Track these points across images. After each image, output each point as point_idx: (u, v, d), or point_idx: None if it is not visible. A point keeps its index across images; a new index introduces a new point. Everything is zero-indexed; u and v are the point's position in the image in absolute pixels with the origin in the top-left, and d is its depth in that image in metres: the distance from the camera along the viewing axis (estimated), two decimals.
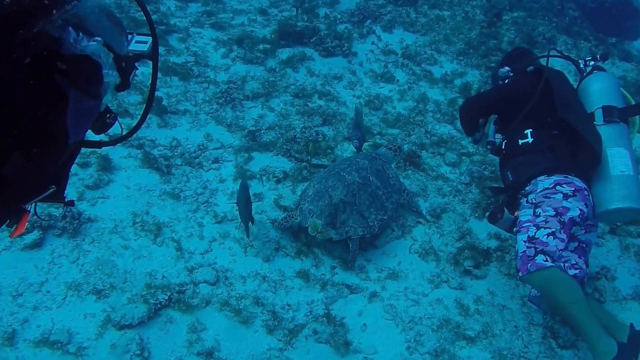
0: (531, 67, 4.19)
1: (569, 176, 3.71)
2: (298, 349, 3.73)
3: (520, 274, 3.48)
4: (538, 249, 3.47)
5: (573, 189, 3.63)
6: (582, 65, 4.18)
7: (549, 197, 3.65)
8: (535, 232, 3.56)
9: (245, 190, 4.29)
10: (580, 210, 3.56)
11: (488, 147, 4.25)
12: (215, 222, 4.59)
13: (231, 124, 5.76)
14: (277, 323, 3.84)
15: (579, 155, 3.71)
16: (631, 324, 3.42)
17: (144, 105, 1.97)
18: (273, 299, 4.03)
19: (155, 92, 1.99)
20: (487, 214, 4.20)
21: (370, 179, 4.54)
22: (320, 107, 6.20)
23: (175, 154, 5.18)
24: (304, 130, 5.74)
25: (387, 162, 4.92)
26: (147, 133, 5.42)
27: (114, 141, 2.02)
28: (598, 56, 4.19)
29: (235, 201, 4.39)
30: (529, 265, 3.44)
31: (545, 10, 8.94)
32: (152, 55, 1.92)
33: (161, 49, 6.39)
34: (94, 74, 1.57)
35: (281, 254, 4.39)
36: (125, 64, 1.75)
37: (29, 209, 1.57)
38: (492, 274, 4.34)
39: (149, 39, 1.93)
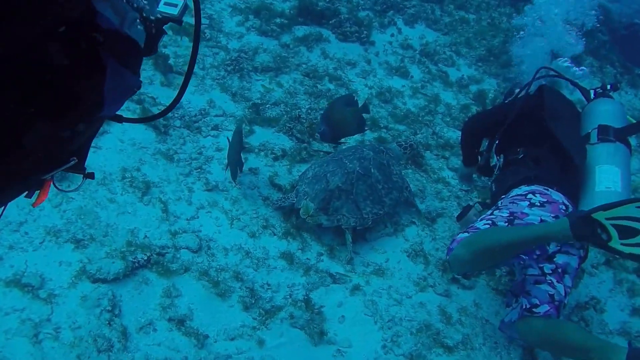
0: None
1: (549, 189, 3.68)
2: (272, 330, 3.73)
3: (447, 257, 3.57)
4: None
5: (545, 200, 3.57)
6: (592, 96, 4.20)
7: (514, 203, 3.62)
8: (475, 223, 3.61)
9: (239, 134, 4.39)
10: (542, 220, 3.47)
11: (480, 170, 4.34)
12: (206, 189, 4.57)
13: (236, 93, 5.73)
14: (254, 301, 3.84)
15: (565, 167, 3.73)
16: (629, 342, 3.43)
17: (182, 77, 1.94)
18: (253, 276, 4.02)
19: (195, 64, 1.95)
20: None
21: (372, 170, 4.53)
22: (329, 91, 6.18)
23: (175, 115, 5.15)
24: (309, 111, 5.72)
25: (393, 158, 4.90)
26: (150, 90, 5.39)
27: (149, 118, 2.01)
28: (608, 86, 4.22)
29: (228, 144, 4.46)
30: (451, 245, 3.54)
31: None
32: (195, 26, 1.90)
33: None
34: (134, 47, 1.56)
35: (268, 232, 4.38)
36: (155, 29, 1.72)
37: (49, 178, 1.55)
38: (480, 286, 4.35)
39: (180, 2, 1.86)
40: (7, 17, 1.13)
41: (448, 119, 6.38)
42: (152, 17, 1.70)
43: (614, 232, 3.06)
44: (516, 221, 3.47)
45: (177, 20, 1.85)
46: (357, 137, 5.60)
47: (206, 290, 3.84)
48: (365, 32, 7.35)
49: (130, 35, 1.51)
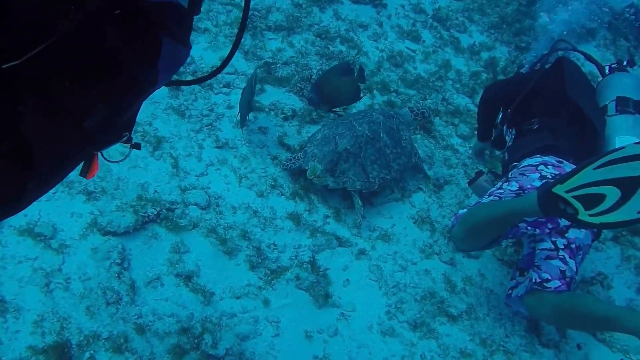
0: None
1: (564, 161, 3.62)
2: (277, 291, 3.80)
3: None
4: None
5: (557, 173, 3.50)
6: (607, 71, 4.18)
7: (524, 175, 3.58)
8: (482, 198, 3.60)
9: (252, 80, 4.46)
10: None
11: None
12: (216, 146, 4.58)
13: (248, 51, 5.70)
14: (260, 260, 3.89)
15: (582, 139, 3.71)
16: None
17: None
18: (260, 236, 4.07)
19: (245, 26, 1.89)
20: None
21: (381, 135, 4.55)
22: (340, 53, 6.15)
23: (188, 70, 5.13)
24: (320, 72, 5.70)
25: (403, 123, 4.91)
26: None
27: (198, 79, 2.00)
28: (625, 62, 4.19)
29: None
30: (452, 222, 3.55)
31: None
32: None
33: None
34: (185, 19, 1.56)
35: (276, 192, 4.42)
36: None
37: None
38: (486, 256, 4.41)
39: None
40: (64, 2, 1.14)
41: (458, 85, 6.37)
42: None
43: (577, 205, 2.86)
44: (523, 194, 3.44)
45: None
46: (366, 100, 5.61)
47: (214, 247, 3.89)
48: None
49: (180, 2, 1.50)
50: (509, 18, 7.76)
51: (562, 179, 2.90)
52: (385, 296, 3.95)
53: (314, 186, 4.46)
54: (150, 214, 3.85)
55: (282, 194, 4.41)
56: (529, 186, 3.46)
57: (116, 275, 3.50)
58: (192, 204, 4.09)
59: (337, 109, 5.03)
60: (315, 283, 3.85)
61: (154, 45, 1.42)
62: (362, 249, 4.19)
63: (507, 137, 4.16)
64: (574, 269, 3.38)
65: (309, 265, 3.95)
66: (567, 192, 2.88)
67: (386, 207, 4.61)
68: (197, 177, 4.32)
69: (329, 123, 4.85)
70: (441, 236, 4.45)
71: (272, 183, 4.45)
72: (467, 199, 4.85)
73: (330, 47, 6.18)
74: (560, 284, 3.31)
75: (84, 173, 1.57)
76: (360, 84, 4.96)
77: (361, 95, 5.04)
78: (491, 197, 3.52)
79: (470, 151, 5.37)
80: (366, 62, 6.17)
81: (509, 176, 3.73)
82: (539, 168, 3.58)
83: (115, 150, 1.69)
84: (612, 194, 2.81)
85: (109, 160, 1.71)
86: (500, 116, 4.31)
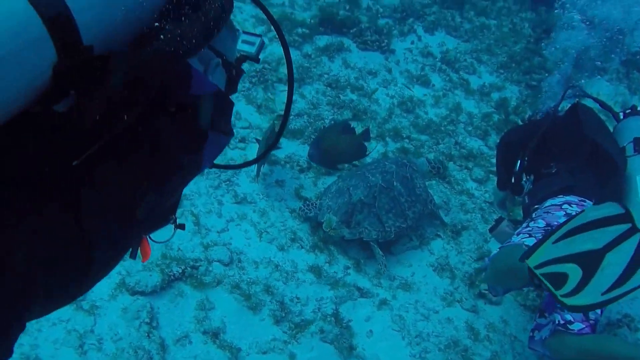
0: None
1: (586, 200, 3.67)
2: (302, 345, 3.93)
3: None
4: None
5: (582, 210, 3.40)
6: (621, 117, 4.32)
7: (549, 213, 3.61)
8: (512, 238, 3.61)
9: (271, 131, 4.65)
10: None
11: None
12: (235, 202, 4.76)
13: (261, 105, 5.92)
14: (284, 315, 4.03)
15: (603, 178, 3.79)
16: None
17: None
18: (283, 290, 4.22)
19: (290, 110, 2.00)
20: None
21: (395, 184, 4.71)
22: (352, 101, 6.35)
23: None
24: (332, 121, 5.90)
25: (417, 171, 5.07)
26: None
27: (244, 164, 2.12)
28: (639, 107, 4.34)
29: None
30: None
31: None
32: (288, 68, 1.93)
33: None
34: (228, 111, 1.66)
35: (296, 245, 4.57)
36: (235, 71, 1.78)
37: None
38: (507, 302, 4.52)
39: (257, 40, 1.88)
40: (121, 97, 1.26)
41: (470, 129, 6.54)
42: (232, 60, 1.78)
43: (547, 284, 2.64)
44: None
45: (255, 58, 1.89)
46: (380, 148, 5.79)
47: (238, 303, 4.03)
48: (385, 40, 7.51)
49: (224, 93, 1.63)
50: (517, 57, 7.97)
51: (528, 252, 2.75)
52: (409, 346, 4.07)
53: (333, 237, 4.60)
54: (175, 272, 4.01)
55: (302, 247, 4.57)
56: (556, 223, 3.45)
57: (146, 334, 3.65)
58: (215, 261, 4.25)
59: (341, 166, 5.22)
60: (339, 335, 3.98)
61: (201, 137, 1.55)
62: (383, 299, 4.32)
63: (526, 184, 4.27)
64: (598, 311, 3.43)
65: (332, 318, 4.08)
66: (535, 267, 2.70)
67: (405, 256, 4.75)
68: (219, 233, 4.48)
69: (343, 175, 5.03)
70: (462, 283, 4.57)
71: (292, 236, 4.61)
72: (486, 243, 4.98)
73: (341, 96, 6.40)
74: (584, 326, 3.33)
75: (134, 255, 1.67)
76: (367, 142, 5.17)
77: (367, 152, 5.24)
78: (521, 236, 3.53)
79: (486, 195, 5.52)
80: (377, 110, 6.37)
81: (533, 216, 3.78)
82: (563, 207, 3.63)
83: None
84: (574, 273, 2.63)
85: (155, 241, 1.75)
86: (518, 163, 4.43)
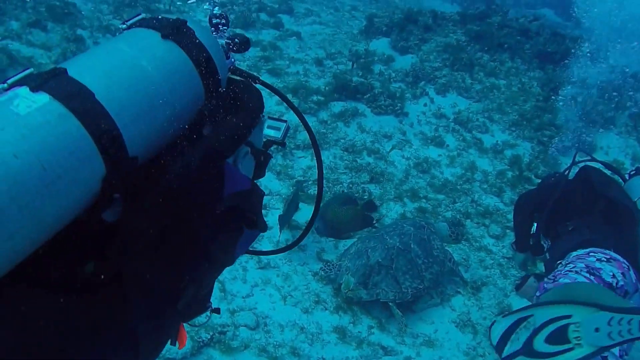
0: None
1: (607, 251, 3.74)
2: None
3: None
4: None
5: (609, 257, 3.63)
6: (627, 177, 4.48)
7: (581, 259, 3.67)
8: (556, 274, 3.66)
9: (295, 197, 4.97)
10: (614, 275, 3.50)
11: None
12: (259, 267, 4.92)
13: (280, 172, 6.14)
14: None
15: (620, 231, 3.90)
16: None
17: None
18: (309, 351, 4.33)
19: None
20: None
21: (412, 246, 4.85)
22: (368, 165, 6.56)
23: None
24: (351, 185, 6.10)
25: (434, 233, 5.21)
26: None
27: (277, 251, 2.17)
28: None
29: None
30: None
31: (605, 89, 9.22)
32: (315, 156, 1.98)
33: None
34: (259, 205, 1.71)
35: (320, 307, 4.70)
36: (263, 157, 1.84)
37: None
38: None
39: (282, 125, 1.96)
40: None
41: (486, 186, 6.70)
42: (260, 147, 1.84)
43: None
44: (593, 271, 3.52)
45: (281, 143, 1.97)
46: (398, 209, 5.95)
47: None
48: (399, 104, 7.76)
49: (256, 189, 1.70)
50: (528, 115, 8.17)
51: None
52: None
53: (352, 299, 4.72)
54: (204, 338, 4.15)
55: (326, 309, 4.69)
56: (593, 267, 3.54)
57: None
58: (241, 326, 4.38)
59: (346, 235, 5.39)
60: None
61: (237, 234, 1.64)
62: (408, 357, 4.41)
63: (544, 244, 4.38)
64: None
65: None
66: None
67: (427, 313, 4.85)
68: (244, 298, 4.63)
69: (363, 237, 5.18)
70: (484, 337, 4.65)
71: (316, 298, 4.74)
72: (506, 298, 5.07)
73: (358, 160, 6.60)
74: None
75: (173, 342, 1.72)
76: (372, 212, 5.35)
77: (374, 222, 5.41)
78: (571, 275, 3.54)
79: (503, 250, 5.64)
80: (393, 172, 6.57)
81: (560, 269, 3.81)
82: (590, 254, 3.71)
83: None
84: None
85: (192, 325, 1.80)
86: (535, 225, 4.54)
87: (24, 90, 1.14)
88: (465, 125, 7.83)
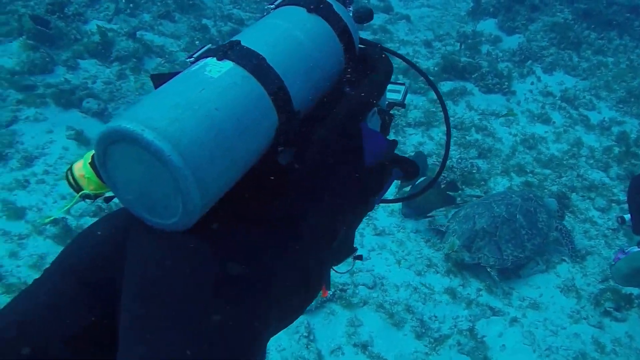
0: None
1: None
2: (442, 356, 4.29)
3: None
4: None
5: None
6: None
7: None
8: None
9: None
10: None
11: None
12: (375, 234, 5.24)
13: None
14: (424, 330, 4.41)
15: None
16: None
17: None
18: (422, 309, 4.61)
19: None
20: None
21: (517, 216, 5.01)
22: (477, 141, 6.71)
23: None
24: (459, 160, 6.28)
25: (542, 206, 5.31)
26: None
27: (405, 198, 2.46)
28: None
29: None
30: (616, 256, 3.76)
31: None
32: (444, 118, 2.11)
33: None
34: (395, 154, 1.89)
35: (432, 271, 4.96)
36: (387, 117, 1.94)
37: None
38: (632, 319, 4.67)
39: (402, 88, 2.06)
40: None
41: (592, 161, 6.69)
42: (384, 107, 1.96)
43: None
44: None
45: (401, 104, 2.05)
46: (505, 182, 6.11)
47: (383, 320, 4.46)
48: (506, 83, 7.83)
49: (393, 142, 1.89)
50: (636, 91, 8.01)
51: None
52: (540, 358, 4.33)
53: (464, 263, 4.95)
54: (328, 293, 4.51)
55: (437, 272, 4.95)
56: None
57: (305, 346, 4.15)
58: (360, 285, 4.72)
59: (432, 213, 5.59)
60: (475, 348, 4.31)
61: (386, 180, 1.86)
62: (514, 317, 4.61)
63: None
64: None
65: (467, 333, 4.42)
66: None
67: (533, 279, 5.01)
68: (362, 261, 4.95)
69: (471, 203, 5.39)
70: (587, 302, 4.77)
71: (428, 263, 5.01)
72: (612, 266, 5.14)
73: (467, 137, 6.77)
74: None
75: (328, 286, 1.77)
76: (453, 192, 5.51)
77: (457, 201, 5.62)
78: None
79: (609, 222, 5.68)
80: (500, 148, 6.69)
81: None
82: None
83: None
84: None
85: (338, 272, 1.93)
86: None
87: (211, 60, 1.36)
88: (572, 103, 7.79)
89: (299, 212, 1.48)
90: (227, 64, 1.34)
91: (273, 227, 1.42)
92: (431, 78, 7.09)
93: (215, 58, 1.36)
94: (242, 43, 1.41)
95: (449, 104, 7.37)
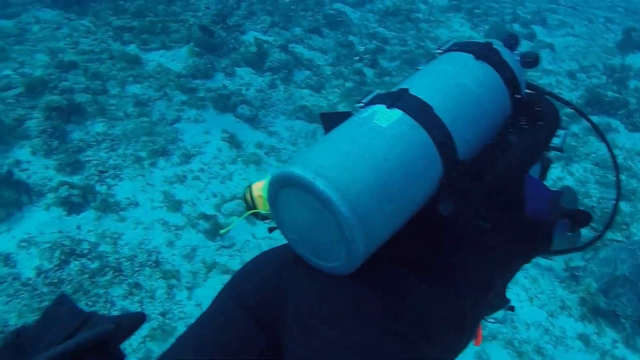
0: None
1: None
2: None
3: None
4: None
5: None
6: None
7: None
8: None
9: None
10: None
11: None
12: None
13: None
14: None
15: None
16: None
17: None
18: (552, 352, 4.46)
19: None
20: None
21: None
22: (620, 181, 6.38)
23: None
24: (600, 200, 6.03)
25: None
26: None
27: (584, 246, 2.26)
28: None
29: None
30: None
31: None
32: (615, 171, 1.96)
33: None
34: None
35: (565, 314, 4.79)
36: (547, 162, 1.86)
37: None
38: None
39: (562, 132, 1.87)
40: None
41: None
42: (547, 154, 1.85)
43: None
44: None
45: (560, 149, 1.89)
46: None
47: (511, 358, 4.36)
48: None
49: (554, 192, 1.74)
50: None
51: None
52: None
53: (603, 311, 4.74)
54: None
55: (571, 315, 4.78)
56: None
57: None
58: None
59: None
60: None
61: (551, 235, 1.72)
62: None
63: None
64: None
65: None
66: None
67: None
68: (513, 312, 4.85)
69: (614, 245, 5.14)
70: None
71: (561, 304, 4.84)
72: None
73: (609, 176, 6.48)
74: None
75: (477, 335, 1.74)
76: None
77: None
78: None
79: None
80: None
81: None
82: None
83: None
84: None
85: (489, 322, 1.85)
86: None
87: (380, 107, 1.35)
88: None
89: (457, 261, 1.44)
90: (396, 113, 1.34)
91: (430, 274, 1.39)
92: (572, 111, 6.92)
93: (384, 106, 1.36)
94: (411, 91, 1.41)
95: (592, 140, 7.09)
